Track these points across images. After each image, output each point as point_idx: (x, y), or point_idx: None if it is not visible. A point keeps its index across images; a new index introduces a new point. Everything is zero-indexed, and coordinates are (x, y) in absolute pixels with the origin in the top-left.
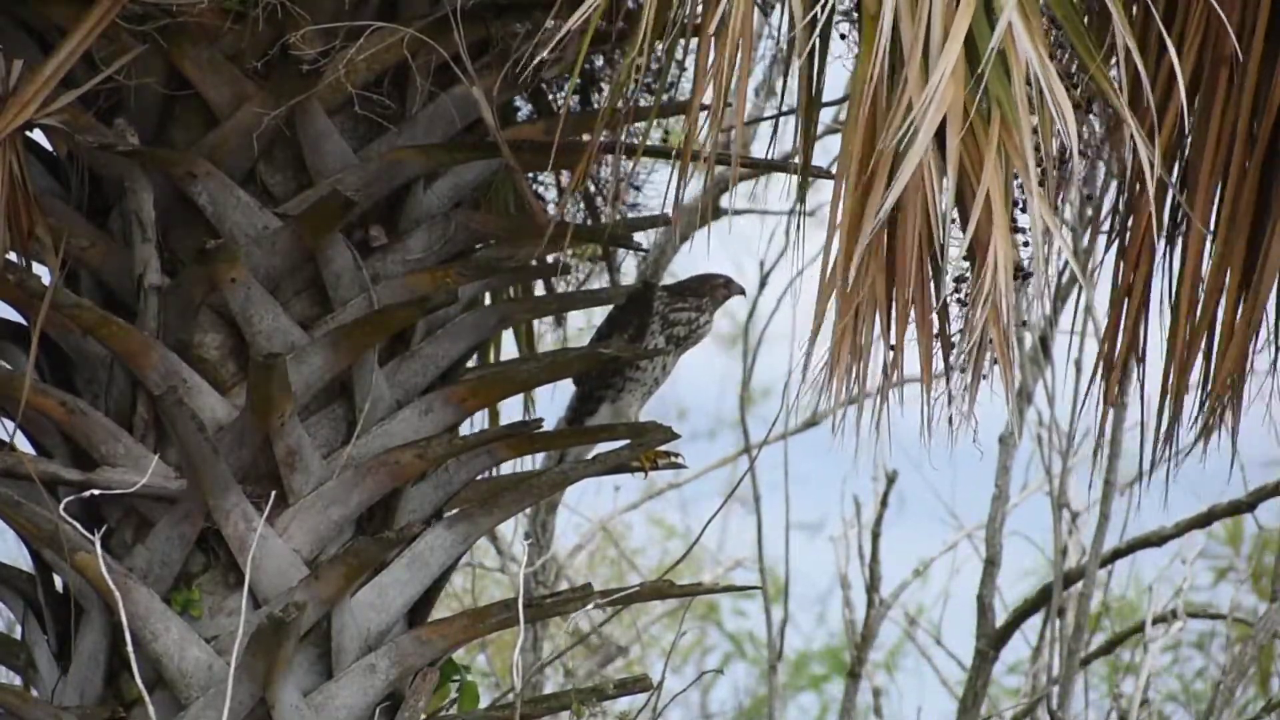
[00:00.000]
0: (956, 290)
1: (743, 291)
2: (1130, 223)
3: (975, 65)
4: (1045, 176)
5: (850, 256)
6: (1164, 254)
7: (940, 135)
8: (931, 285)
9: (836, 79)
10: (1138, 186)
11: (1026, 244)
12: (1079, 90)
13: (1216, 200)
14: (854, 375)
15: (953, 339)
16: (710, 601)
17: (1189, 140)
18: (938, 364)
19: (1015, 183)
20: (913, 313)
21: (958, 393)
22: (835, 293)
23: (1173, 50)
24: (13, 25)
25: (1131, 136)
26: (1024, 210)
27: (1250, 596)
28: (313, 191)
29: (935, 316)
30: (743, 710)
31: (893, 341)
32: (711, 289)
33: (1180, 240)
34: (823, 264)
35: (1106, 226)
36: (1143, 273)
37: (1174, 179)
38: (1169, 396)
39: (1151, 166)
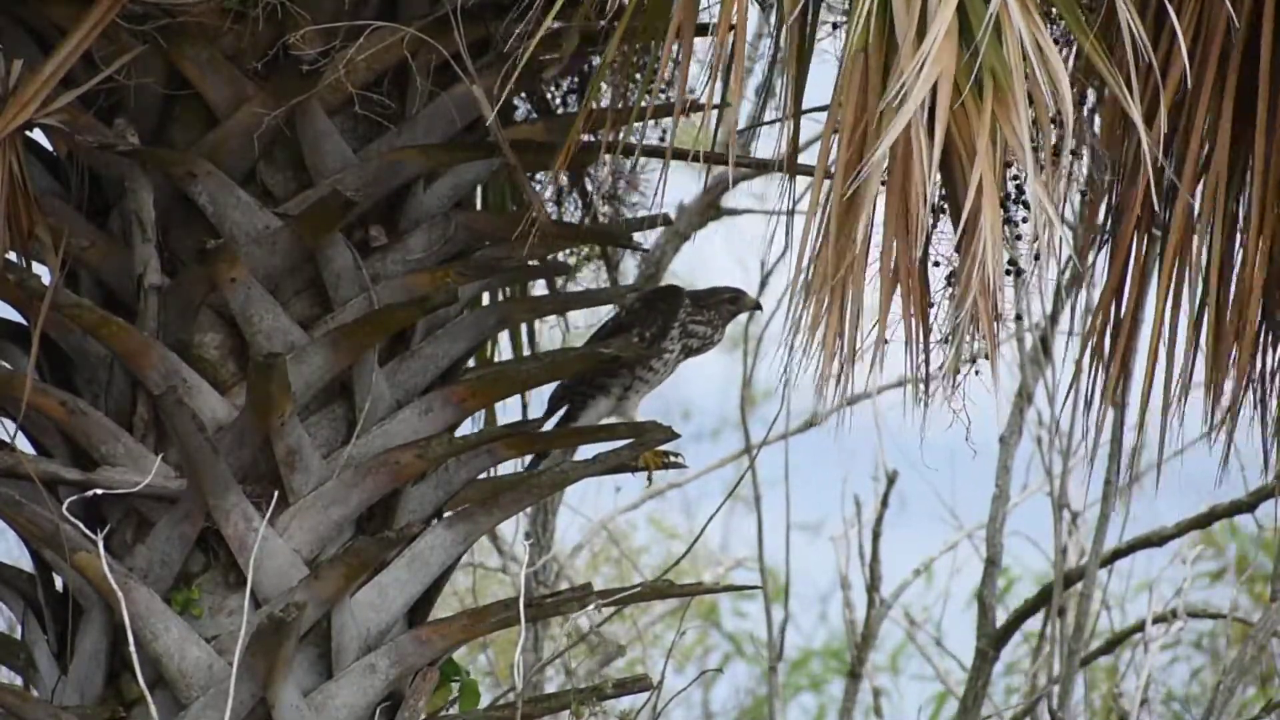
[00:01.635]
0: (948, 284)
1: (758, 306)
2: (1124, 215)
3: (967, 38)
4: (1042, 154)
5: (841, 230)
6: (1158, 249)
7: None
8: (920, 265)
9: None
10: (1130, 172)
11: (1020, 237)
12: (1074, 89)
13: (1230, 197)
14: (844, 367)
15: (946, 336)
16: (710, 601)
17: (1199, 128)
18: (931, 356)
19: (1010, 174)
20: (900, 303)
21: (951, 385)
22: (821, 269)
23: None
24: (13, 25)
25: (1127, 125)
26: (1017, 202)
27: (1244, 598)
28: (313, 191)
29: (924, 304)
30: (744, 710)
31: (886, 334)
32: (726, 302)
33: (1193, 236)
34: (802, 239)
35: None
36: (1137, 268)
37: (1169, 170)
38: (1211, 388)
39: (1149, 154)
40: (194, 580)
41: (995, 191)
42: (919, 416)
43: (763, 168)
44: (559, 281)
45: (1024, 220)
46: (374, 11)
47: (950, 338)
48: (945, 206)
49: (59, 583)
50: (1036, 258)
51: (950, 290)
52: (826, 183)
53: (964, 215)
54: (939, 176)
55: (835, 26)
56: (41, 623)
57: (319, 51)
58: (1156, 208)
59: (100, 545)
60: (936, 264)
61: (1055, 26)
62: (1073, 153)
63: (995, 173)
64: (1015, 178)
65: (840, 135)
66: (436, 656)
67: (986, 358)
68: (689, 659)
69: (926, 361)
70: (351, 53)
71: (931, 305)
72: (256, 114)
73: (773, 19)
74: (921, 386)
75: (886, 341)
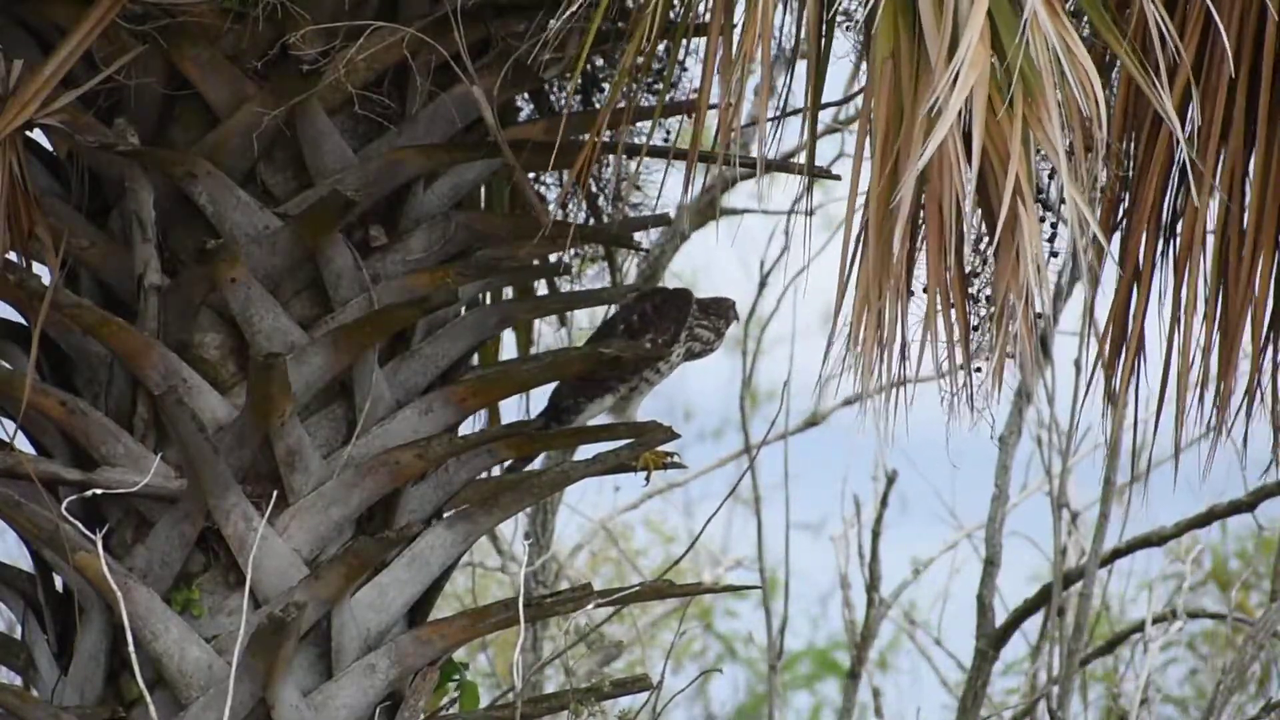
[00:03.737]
0: (972, 284)
1: (737, 317)
2: (1133, 214)
3: (996, 44)
4: (1071, 149)
5: (880, 242)
6: (1165, 249)
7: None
8: (956, 270)
9: (838, 78)
10: (1147, 175)
11: (1052, 237)
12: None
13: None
14: (876, 360)
15: (973, 333)
16: (704, 603)
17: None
18: (944, 359)
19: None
20: (939, 298)
21: (984, 384)
22: (861, 282)
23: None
24: (13, 25)
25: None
26: (1040, 202)
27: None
28: (313, 191)
29: (959, 306)
30: (740, 708)
31: (910, 332)
32: (727, 310)
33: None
34: (843, 253)
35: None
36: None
37: (1176, 169)
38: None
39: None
40: (194, 580)
41: (1031, 194)
42: (924, 417)
43: (776, 169)
44: (560, 281)
45: (1041, 220)
46: (374, 11)
47: (984, 336)
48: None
49: (59, 583)
50: (1054, 255)
51: (983, 293)
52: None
53: (1000, 219)
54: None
55: (847, 28)
56: (41, 623)
57: (319, 51)
58: (1160, 204)
59: (100, 545)
60: (971, 273)
61: (1076, 21)
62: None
63: (1029, 176)
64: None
65: (874, 143)
66: (436, 656)
67: (1011, 357)
68: (684, 658)
69: (969, 366)
70: (351, 53)
71: (966, 300)
72: (256, 114)
73: (778, 18)
74: (948, 387)
75: (905, 344)
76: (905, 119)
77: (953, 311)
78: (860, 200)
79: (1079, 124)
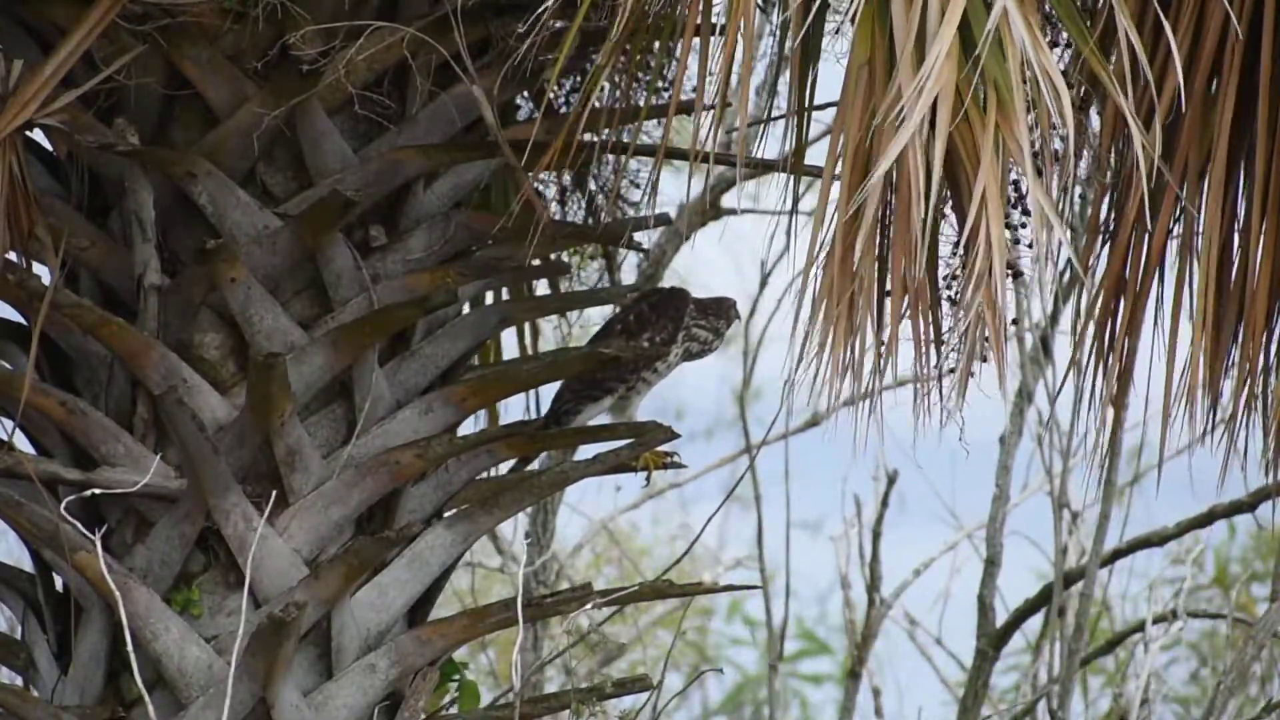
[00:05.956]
0: (949, 287)
1: (738, 317)
2: (1123, 218)
3: (970, 52)
4: (1042, 161)
5: (846, 246)
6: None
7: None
8: (926, 275)
9: (836, 79)
10: (1133, 179)
11: (1018, 241)
12: (1074, 90)
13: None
14: (848, 366)
15: (946, 336)
16: (700, 603)
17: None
18: (933, 361)
19: (1012, 179)
20: (906, 304)
21: (954, 390)
22: (827, 283)
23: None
24: (13, 25)
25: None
26: (1016, 206)
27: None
28: (313, 191)
29: (930, 310)
30: (727, 696)
31: (885, 335)
32: (727, 311)
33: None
34: (808, 253)
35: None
36: (1138, 268)
37: (1168, 173)
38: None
39: (1148, 155)
40: (194, 580)
41: (1000, 203)
42: (921, 418)
43: (766, 168)
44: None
45: (1023, 226)
46: (374, 11)
47: (954, 342)
48: (952, 213)
49: (59, 583)
50: (1036, 261)
51: (955, 295)
52: (832, 193)
53: (968, 225)
54: (945, 189)
55: (838, 31)
56: (41, 623)
57: (319, 51)
58: (1155, 208)
59: (99, 545)
60: (945, 276)
61: (1055, 29)
62: (1064, 188)
63: (999, 184)
64: (1015, 183)
65: (845, 149)
66: (436, 656)
67: (985, 360)
68: (683, 659)
69: (938, 367)
70: (351, 53)
71: (940, 304)
72: (256, 114)
73: (773, 17)
74: (924, 390)
75: (883, 343)
76: (876, 126)
77: (921, 315)
78: (831, 205)
79: (1048, 130)
